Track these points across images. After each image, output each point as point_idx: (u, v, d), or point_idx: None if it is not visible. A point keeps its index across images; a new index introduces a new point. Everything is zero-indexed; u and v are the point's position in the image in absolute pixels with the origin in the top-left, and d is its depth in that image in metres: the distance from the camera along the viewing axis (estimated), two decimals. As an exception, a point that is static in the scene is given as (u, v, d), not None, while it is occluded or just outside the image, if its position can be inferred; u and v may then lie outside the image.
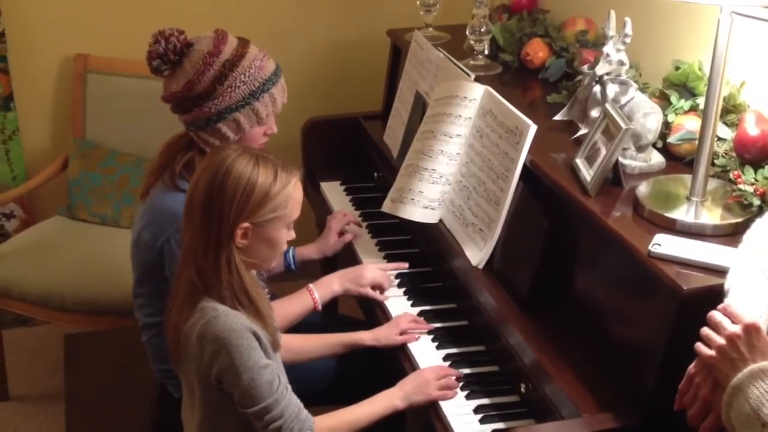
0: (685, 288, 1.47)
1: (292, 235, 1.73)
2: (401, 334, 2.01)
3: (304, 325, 2.11)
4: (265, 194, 1.62)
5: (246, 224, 1.62)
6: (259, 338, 1.64)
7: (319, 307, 2.13)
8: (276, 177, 1.64)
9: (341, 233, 2.42)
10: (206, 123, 1.94)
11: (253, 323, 1.64)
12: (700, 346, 1.34)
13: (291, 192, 1.66)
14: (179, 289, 1.68)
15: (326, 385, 2.11)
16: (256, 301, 1.67)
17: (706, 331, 1.34)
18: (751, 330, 1.29)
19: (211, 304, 1.63)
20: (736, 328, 1.30)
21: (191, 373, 1.67)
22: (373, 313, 2.17)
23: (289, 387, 1.69)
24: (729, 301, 1.37)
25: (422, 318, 2.06)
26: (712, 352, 1.32)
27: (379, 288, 2.18)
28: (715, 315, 1.34)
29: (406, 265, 2.26)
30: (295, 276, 2.37)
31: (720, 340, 1.31)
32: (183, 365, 1.69)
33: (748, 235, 1.49)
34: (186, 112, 1.95)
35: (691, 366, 1.37)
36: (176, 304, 1.68)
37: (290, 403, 1.66)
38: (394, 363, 1.99)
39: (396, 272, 2.25)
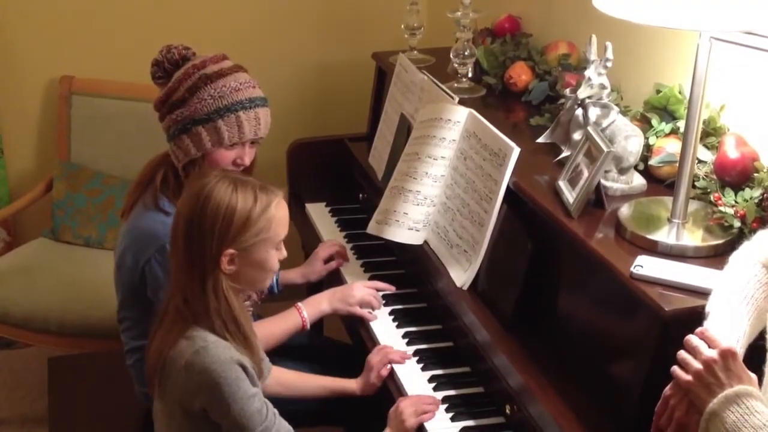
0: (666, 309, 1.48)
1: (284, 254, 1.72)
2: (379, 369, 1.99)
3: (290, 346, 2.11)
4: (245, 219, 1.62)
5: (231, 251, 1.62)
6: (246, 369, 1.64)
7: (308, 326, 2.13)
8: (256, 200, 1.63)
9: (327, 260, 2.42)
10: (174, 132, 1.96)
11: (241, 354, 1.64)
12: (676, 370, 1.35)
13: (273, 213, 1.65)
14: (166, 316, 1.67)
15: (313, 406, 2.11)
16: (245, 328, 1.67)
17: (683, 354, 1.34)
18: (727, 355, 1.29)
19: (201, 333, 1.63)
20: (712, 353, 1.30)
21: (173, 398, 1.66)
22: (358, 334, 2.17)
23: (277, 413, 1.69)
24: (707, 325, 1.38)
25: (402, 349, 2.05)
26: (688, 377, 1.32)
27: (368, 306, 2.19)
28: (692, 339, 1.34)
29: (394, 288, 2.27)
30: (277, 297, 2.37)
31: (697, 365, 1.31)
32: (164, 389, 1.68)
33: (734, 258, 1.50)
34: (162, 119, 1.99)
35: (667, 388, 1.37)
36: (162, 329, 1.67)
37: (281, 427, 1.67)
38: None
39: (383, 292, 2.26)
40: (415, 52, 2.82)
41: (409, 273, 2.34)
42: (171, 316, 1.66)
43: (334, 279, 2.39)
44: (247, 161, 2.00)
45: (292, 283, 2.39)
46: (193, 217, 1.61)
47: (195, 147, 1.94)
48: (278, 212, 1.67)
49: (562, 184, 1.88)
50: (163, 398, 1.71)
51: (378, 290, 2.24)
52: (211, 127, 1.93)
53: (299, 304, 2.15)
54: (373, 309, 2.19)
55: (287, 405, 1.77)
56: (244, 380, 1.62)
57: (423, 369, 1.99)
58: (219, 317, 1.63)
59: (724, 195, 1.72)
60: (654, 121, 1.98)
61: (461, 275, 2.04)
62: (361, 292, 2.18)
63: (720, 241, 1.65)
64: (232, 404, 1.59)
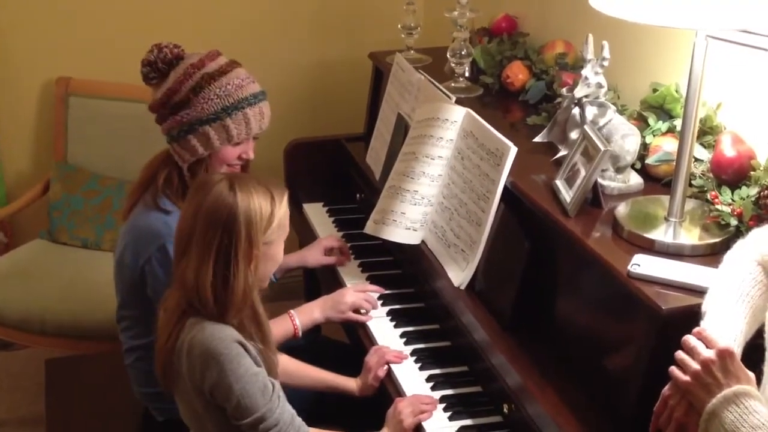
0: (664, 308, 1.48)
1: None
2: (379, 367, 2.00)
3: (288, 346, 2.11)
4: (270, 215, 1.66)
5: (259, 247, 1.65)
6: (247, 348, 1.64)
7: (299, 335, 2.13)
8: (272, 197, 1.67)
9: (328, 253, 2.42)
10: (178, 133, 1.96)
11: (253, 343, 1.66)
12: (674, 371, 1.35)
13: (286, 206, 1.72)
14: (167, 315, 1.68)
15: (308, 405, 2.10)
16: (265, 326, 1.71)
17: (680, 355, 1.34)
18: (725, 355, 1.29)
19: (197, 320, 1.64)
20: (710, 354, 1.30)
21: (185, 388, 1.67)
22: (356, 334, 2.17)
23: (282, 394, 1.70)
24: (704, 325, 1.38)
25: (399, 349, 2.05)
26: (687, 378, 1.32)
27: (362, 309, 2.18)
28: (690, 339, 1.34)
29: (384, 290, 2.26)
30: (273, 297, 2.36)
31: (695, 365, 1.31)
32: (179, 387, 1.68)
33: (729, 256, 1.50)
34: (163, 121, 1.98)
35: (666, 388, 1.37)
36: (164, 329, 1.68)
37: (284, 409, 1.68)
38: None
39: (377, 294, 2.25)
40: (412, 51, 2.82)
41: (406, 273, 2.34)
42: (173, 315, 1.66)
43: (331, 279, 2.38)
44: (252, 155, 2.04)
45: (287, 267, 2.38)
46: (219, 219, 1.62)
47: (202, 146, 1.95)
48: (287, 205, 1.73)
49: (560, 183, 1.88)
50: (179, 394, 1.71)
51: (369, 292, 2.23)
52: (219, 126, 1.94)
53: (292, 312, 2.14)
54: (367, 312, 2.18)
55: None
56: (245, 357, 1.62)
57: (421, 369, 1.99)
58: (239, 313, 1.65)
59: (720, 193, 1.72)
60: (651, 120, 1.98)
61: (459, 275, 2.04)
62: (352, 297, 2.18)
63: (717, 240, 1.65)
64: (233, 383, 1.60)
